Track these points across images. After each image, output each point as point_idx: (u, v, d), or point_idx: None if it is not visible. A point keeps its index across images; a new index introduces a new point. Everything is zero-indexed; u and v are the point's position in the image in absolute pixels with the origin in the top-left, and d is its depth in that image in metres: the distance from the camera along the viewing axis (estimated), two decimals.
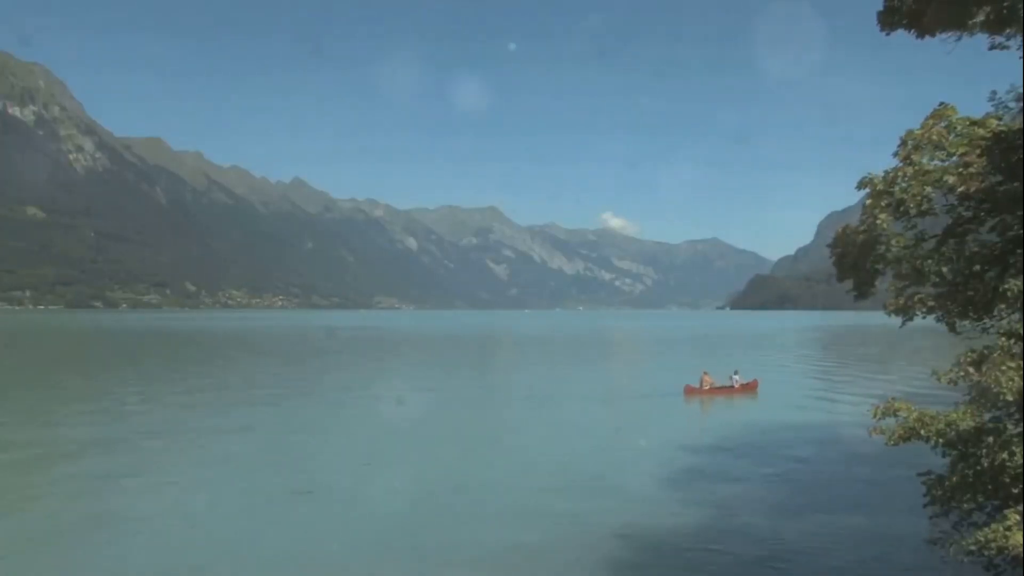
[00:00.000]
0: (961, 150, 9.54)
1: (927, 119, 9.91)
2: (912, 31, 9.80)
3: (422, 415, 37.71)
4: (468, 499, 21.31)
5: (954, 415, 10.13)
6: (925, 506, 10.74)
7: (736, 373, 46.28)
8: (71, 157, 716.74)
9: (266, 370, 65.03)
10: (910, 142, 9.85)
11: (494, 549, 16.75)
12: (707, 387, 44.46)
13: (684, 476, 23.75)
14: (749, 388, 45.43)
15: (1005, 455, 9.19)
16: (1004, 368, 9.47)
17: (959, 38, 9.60)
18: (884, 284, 10.64)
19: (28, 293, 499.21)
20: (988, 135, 9.39)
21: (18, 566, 15.66)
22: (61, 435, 30.85)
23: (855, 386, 48.64)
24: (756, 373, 48.48)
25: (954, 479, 9.90)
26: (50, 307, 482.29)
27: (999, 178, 9.35)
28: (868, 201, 9.88)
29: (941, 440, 10.13)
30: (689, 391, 44.30)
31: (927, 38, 9.83)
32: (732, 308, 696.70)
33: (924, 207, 9.64)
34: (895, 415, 10.70)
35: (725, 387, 44.91)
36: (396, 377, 60.66)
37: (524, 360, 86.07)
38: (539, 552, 16.52)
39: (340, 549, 16.78)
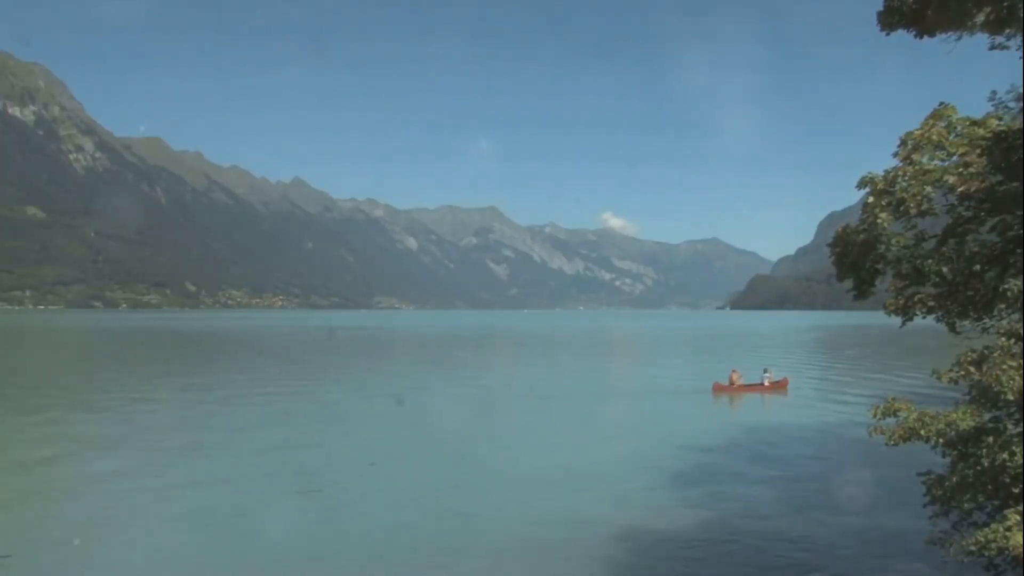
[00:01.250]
0: (961, 150, 9.53)
1: (927, 119, 9.90)
2: (912, 31, 9.79)
3: (431, 414, 37.95)
4: (480, 498, 21.39)
5: (954, 415, 10.12)
6: (925, 506, 10.74)
7: (766, 371, 46.40)
8: (71, 157, 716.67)
9: (268, 370, 65.04)
10: (910, 142, 9.83)
11: (504, 548, 16.83)
12: (736, 385, 44.55)
13: (692, 474, 23.89)
14: (779, 386, 45.33)
15: (1005, 455, 9.19)
16: (1004, 368, 9.48)
17: (959, 38, 9.59)
18: (884, 284, 10.63)
19: (28, 293, 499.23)
20: (988, 135, 9.38)
21: (26, 565, 15.74)
22: (64, 435, 30.86)
23: (887, 384, 47.21)
24: (781, 372, 48.69)
25: (954, 479, 9.90)
26: (50, 307, 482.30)
27: (999, 178, 9.34)
28: (869, 200, 9.86)
29: (941, 440, 10.13)
30: (717, 388, 44.45)
31: (927, 38, 9.82)
32: (732, 308, 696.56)
33: (924, 207, 9.63)
34: (895, 415, 10.71)
35: (754, 385, 44.92)
36: (405, 376, 60.67)
37: (538, 358, 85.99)
38: (547, 551, 16.55)
39: (350, 548, 16.86)
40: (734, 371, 46.04)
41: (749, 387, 44.64)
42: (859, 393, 44.32)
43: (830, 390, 46.79)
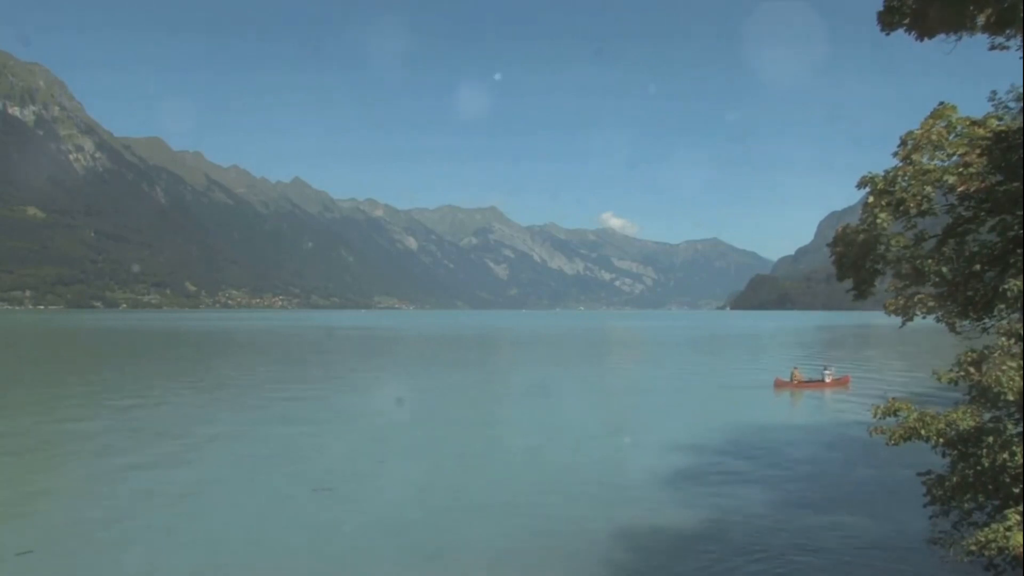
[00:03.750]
0: (961, 150, 9.54)
1: (927, 119, 9.91)
2: (912, 31, 9.79)
3: (445, 413, 38.29)
4: (500, 495, 21.53)
5: (954, 415, 10.13)
6: (925, 506, 10.74)
7: (827, 368, 47.39)
8: (71, 157, 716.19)
9: (271, 370, 65.04)
10: (910, 142, 9.85)
11: (521, 543, 16.96)
12: (796, 381, 45.58)
13: (699, 472, 24.05)
14: (840, 383, 46.05)
15: (1005, 455, 9.20)
16: (1004, 368, 9.48)
17: (959, 38, 9.59)
18: (884, 284, 10.64)
19: (28, 293, 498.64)
20: (988, 135, 9.39)
21: (47, 560, 15.87)
22: (77, 435, 31.09)
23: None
24: (838, 370, 49.90)
25: (954, 479, 9.91)
26: (50, 307, 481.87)
27: (999, 178, 9.35)
28: (869, 199, 9.88)
29: (941, 440, 10.14)
30: (779, 384, 45.57)
31: (927, 38, 9.82)
32: (732, 308, 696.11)
33: (924, 207, 9.64)
34: (895, 415, 10.71)
35: (815, 381, 45.86)
36: (429, 375, 60.71)
37: (572, 358, 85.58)
38: (557, 549, 16.63)
39: (366, 545, 17.03)
40: (795, 368, 47.31)
41: (810, 383, 45.46)
42: (921, 389, 42.68)
43: (892, 387, 45.11)
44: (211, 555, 16.41)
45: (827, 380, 45.68)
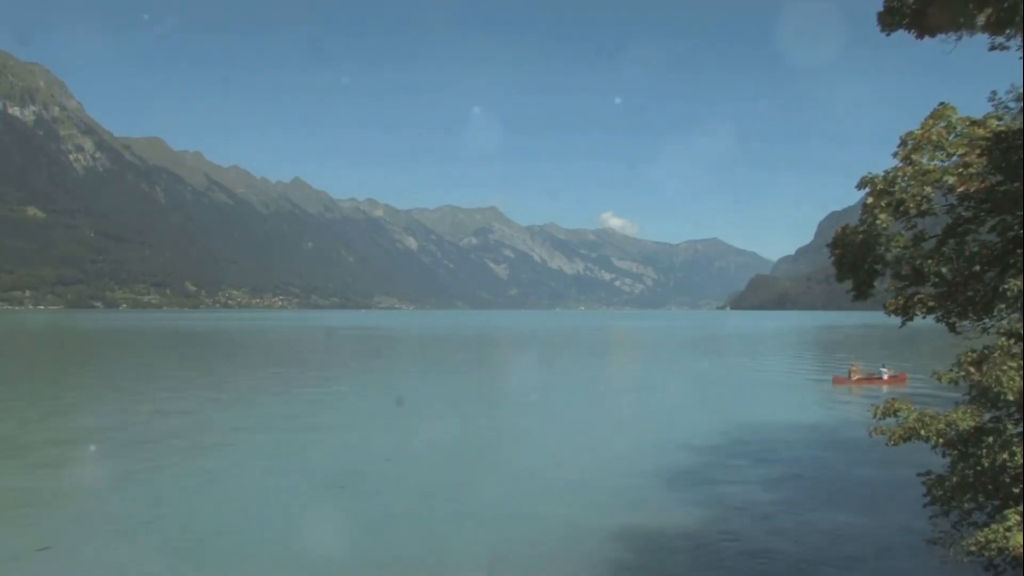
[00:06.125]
0: (961, 150, 9.55)
1: (927, 119, 9.92)
2: (913, 31, 9.79)
3: (466, 412, 38.61)
4: (506, 495, 21.55)
5: (954, 415, 10.11)
6: (925, 506, 10.74)
7: (884, 366, 48.86)
8: (71, 157, 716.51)
9: (274, 370, 65.04)
10: (910, 142, 9.85)
11: (526, 545, 16.98)
12: (855, 378, 46.90)
13: (712, 470, 24.22)
14: (898, 379, 47.32)
15: (1005, 455, 9.19)
16: (1004, 368, 9.47)
17: (959, 38, 9.60)
18: (884, 284, 10.64)
19: (28, 293, 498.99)
20: (988, 135, 9.39)
21: (64, 556, 15.99)
22: (85, 433, 31.28)
23: None
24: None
25: (954, 479, 9.89)
26: (50, 307, 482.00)
27: (999, 178, 9.35)
28: (869, 200, 9.88)
29: (941, 440, 10.13)
30: (837, 381, 47.35)
31: (927, 38, 9.83)
32: (732, 308, 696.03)
33: (924, 207, 9.64)
34: (895, 415, 10.70)
35: (873, 377, 47.21)
36: (434, 375, 60.68)
37: (595, 356, 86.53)
38: (560, 550, 16.63)
39: (375, 543, 17.14)
40: (853, 365, 48.74)
41: (868, 379, 46.89)
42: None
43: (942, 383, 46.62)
44: (224, 552, 16.49)
45: (885, 377, 47.11)
